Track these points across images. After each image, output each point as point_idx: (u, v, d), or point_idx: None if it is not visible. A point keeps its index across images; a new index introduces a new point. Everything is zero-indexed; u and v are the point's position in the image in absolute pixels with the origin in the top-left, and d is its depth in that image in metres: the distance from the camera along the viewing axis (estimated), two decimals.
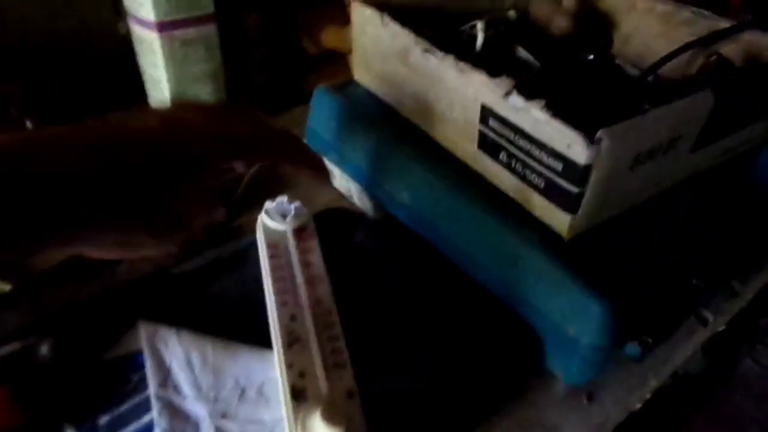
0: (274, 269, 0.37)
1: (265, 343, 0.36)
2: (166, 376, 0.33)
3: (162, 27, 0.55)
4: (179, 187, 0.29)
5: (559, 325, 0.38)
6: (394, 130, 0.48)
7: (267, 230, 0.41)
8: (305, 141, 0.57)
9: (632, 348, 0.38)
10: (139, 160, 0.27)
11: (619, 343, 0.37)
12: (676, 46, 0.50)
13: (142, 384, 0.34)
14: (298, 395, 0.30)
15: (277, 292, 0.36)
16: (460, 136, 0.44)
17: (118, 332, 0.38)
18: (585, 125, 0.34)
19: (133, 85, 0.62)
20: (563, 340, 0.38)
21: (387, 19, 0.46)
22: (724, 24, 0.50)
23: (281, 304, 0.35)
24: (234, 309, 0.39)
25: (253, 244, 0.41)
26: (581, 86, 0.48)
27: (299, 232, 0.41)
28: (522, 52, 0.48)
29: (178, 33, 0.56)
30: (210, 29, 0.58)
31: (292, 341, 0.33)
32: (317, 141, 0.55)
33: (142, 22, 0.55)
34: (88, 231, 0.27)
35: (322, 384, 0.31)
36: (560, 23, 0.54)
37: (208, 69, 0.60)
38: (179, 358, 0.34)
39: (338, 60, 0.71)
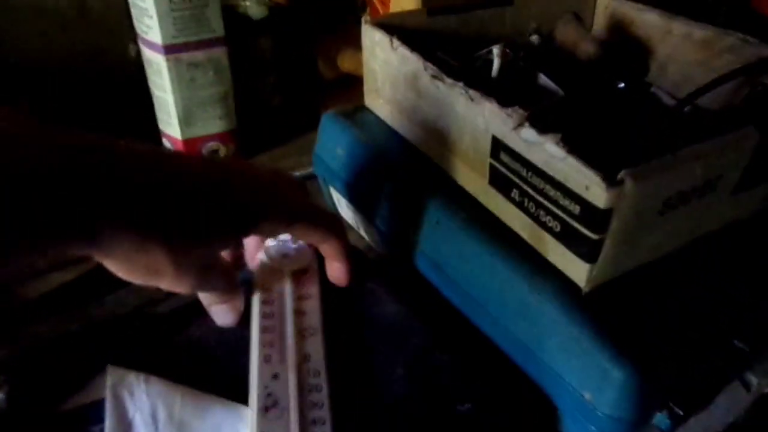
0: (263, 317, 0.34)
1: (242, 398, 0.32)
2: None
3: (168, 49, 0.53)
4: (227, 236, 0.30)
5: (574, 388, 0.33)
6: (402, 161, 0.45)
7: (263, 271, 0.37)
8: (312, 168, 0.54)
9: (660, 419, 0.33)
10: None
11: (645, 416, 0.32)
12: (717, 75, 0.45)
13: None
14: None
15: (263, 345, 0.32)
16: (470, 170, 0.40)
17: (87, 375, 0.35)
18: (609, 163, 0.30)
19: (143, 108, 0.60)
20: (578, 406, 0.33)
21: (396, 42, 0.43)
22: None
23: (264, 360, 0.31)
24: (213, 356, 0.35)
25: (244, 284, 0.38)
26: (608, 117, 0.44)
27: (298, 276, 0.36)
28: (544, 79, 0.44)
29: (186, 56, 0.54)
30: (219, 52, 0.56)
31: (269, 405, 0.29)
32: (323, 169, 0.52)
33: (150, 44, 0.54)
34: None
35: None
36: (588, 48, 0.50)
37: (217, 93, 0.58)
38: (143, 411, 0.31)
39: (355, 85, 0.68)
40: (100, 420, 0.32)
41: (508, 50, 0.44)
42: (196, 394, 0.32)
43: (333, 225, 0.34)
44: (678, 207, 0.32)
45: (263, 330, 0.33)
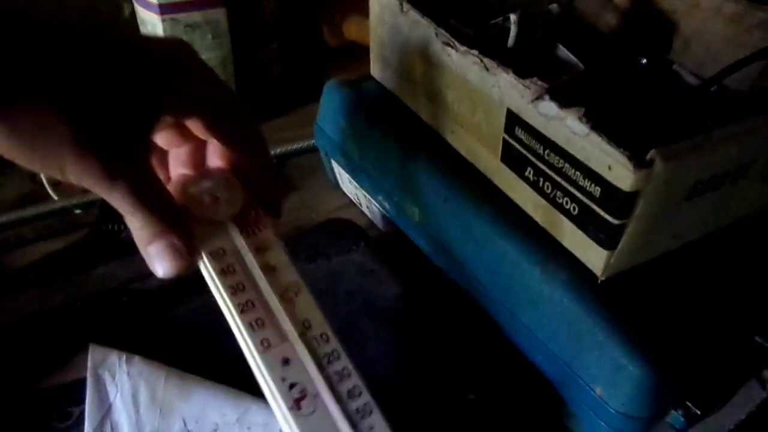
0: (223, 275, 0.25)
1: (229, 379, 0.30)
2: (105, 416, 0.28)
3: (164, 9, 0.50)
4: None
5: (584, 382, 0.31)
6: (408, 135, 0.42)
7: (194, 226, 0.26)
8: (314, 141, 0.52)
9: (675, 417, 0.31)
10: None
11: (659, 414, 0.30)
12: (746, 53, 0.42)
13: (82, 419, 0.29)
14: None
15: (242, 312, 0.25)
16: (481, 146, 0.37)
17: (69, 352, 0.33)
18: (632, 143, 0.27)
19: None
20: (588, 401, 0.31)
21: (407, 6, 0.40)
22: None
23: (261, 344, 0.24)
24: (201, 335, 0.33)
25: None
26: (630, 95, 0.41)
27: (241, 223, 0.27)
28: (563, 51, 0.41)
29: (182, 16, 0.51)
30: (218, 14, 0.53)
31: (297, 397, 0.24)
32: (325, 141, 0.49)
33: (145, 3, 0.51)
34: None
35: None
36: (610, 20, 0.47)
37: (216, 58, 0.55)
38: (125, 392, 0.29)
39: (361, 54, 0.65)
40: (81, 401, 0.30)
41: (525, 22, 0.41)
42: (181, 375, 0.30)
43: (250, 116, 0.27)
44: (707, 193, 0.30)
45: (232, 291, 0.25)
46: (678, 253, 0.33)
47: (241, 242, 0.27)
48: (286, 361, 0.24)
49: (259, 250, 0.27)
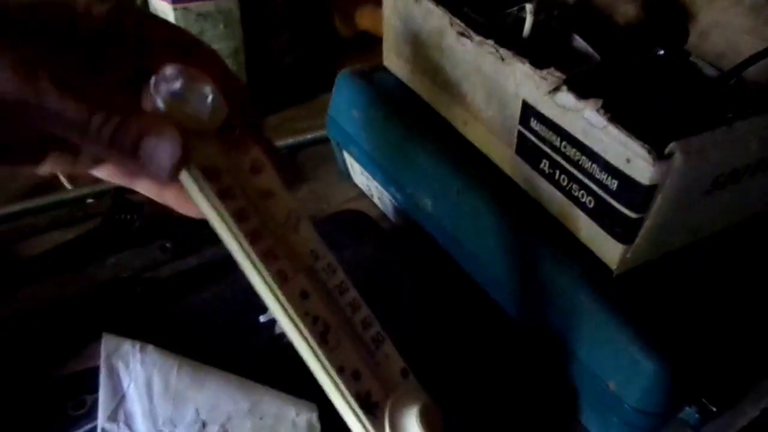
0: (223, 197, 0.22)
1: (243, 369, 0.30)
2: (118, 405, 0.29)
3: None
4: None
5: (598, 376, 0.31)
6: (421, 126, 0.42)
7: (170, 138, 0.21)
8: (326, 131, 0.51)
9: (689, 414, 0.31)
10: None
11: (673, 409, 0.30)
12: (766, 45, 0.41)
13: (96, 408, 0.29)
14: (371, 408, 0.22)
15: (252, 241, 0.21)
16: (496, 137, 0.37)
17: (83, 340, 0.33)
18: (651, 135, 0.27)
19: None
20: (601, 395, 0.31)
21: None
22: None
23: (278, 274, 0.22)
24: (213, 325, 0.33)
25: None
26: (648, 86, 0.40)
27: (228, 139, 0.23)
28: (579, 42, 0.41)
29: (195, 5, 0.51)
30: (230, 3, 0.53)
31: (322, 331, 0.22)
32: (338, 132, 0.49)
33: None
34: None
35: (377, 378, 0.22)
36: (627, 10, 0.46)
37: (227, 47, 0.55)
38: (138, 381, 0.29)
39: (373, 44, 0.65)
40: (95, 389, 0.30)
41: (541, 12, 0.41)
42: (194, 365, 0.30)
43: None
44: (727, 186, 0.29)
45: (238, 218, 0.22)
46: (696, 247, 0.33)
47: (233, 159, 0.23)
48: (304, 295, 0.22)
49: (253, 171, 0.23)
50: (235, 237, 0.22)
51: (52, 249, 0.44)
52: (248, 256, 0.21)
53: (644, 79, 0.42)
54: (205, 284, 0.37)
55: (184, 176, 0.21)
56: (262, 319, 0.34)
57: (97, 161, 0.25)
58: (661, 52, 0.46)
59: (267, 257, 0.22)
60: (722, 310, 0.32)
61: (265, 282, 0.21)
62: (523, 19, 0.40)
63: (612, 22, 0.47)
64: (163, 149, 0.21)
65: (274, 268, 0.21)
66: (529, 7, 0.39)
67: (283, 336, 0.32)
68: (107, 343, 0.30)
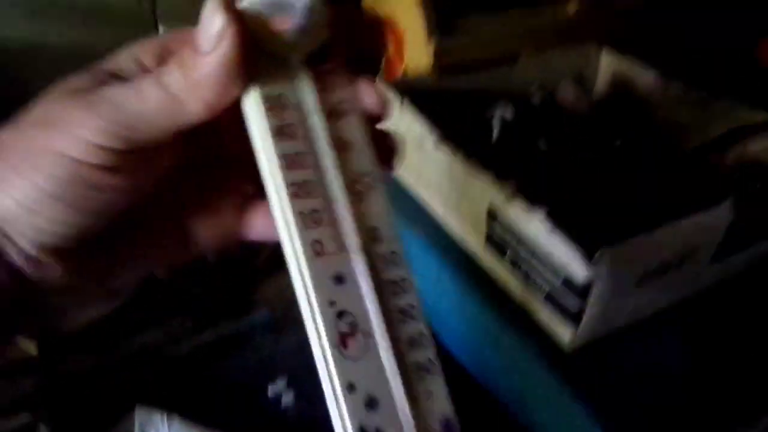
0: (279, 135, 0.19)
1: None
2: None
3: None
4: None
5: None
6: (407, 213, 0.48)
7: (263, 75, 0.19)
8: None
9: None
10: None
11: None
12: (709, 137, 0.48)
13: None
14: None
15: (295, 196, 0.18)
16: (470, 229, 0.43)
17: (118, 411, 0.39)
18: (593, 232, 0.33)
19: None
20: None
21: (406, 102, 0.47)
22: (761, 117, 0.48)
23: (312, 245, 0.18)
24: (231, 395, 0.39)
25: (262, 322, 0.41)
26: (602, 178, 0.47)
27: (318, 71, 0.20)
28: (543, 144, 0.48)
29: None
30: None
31: (345, 332, 0.17)
32: None
33: None
34: None
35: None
36: (586, 108, 0.53)
37: None
38: None
39: None
40: None
41: (508, 114, 0.48)
42: None
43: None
44: (654, 279, 0.35)
45: (286, 163, 0.18)
46: (643, 326, 0.38)
47: (311, 96, 0.19)
48: (339, 279, 0.18)
49: (332, 115, 0.20)
50: (273, 182, 0.18)
51: (89, 325, 0.50)
52: (282, 212, 0.18)
53: (600, 170, 0.48)
54: (221, 356, 0.43)
55: (245, 100, 0.19)
56: (269, 393, 0.39)
57: None
58: (619, 143, 0.53)
59: (306, 220, 0.18)
60: (665, 384, 0.37)
61: (293, 249, 0.18)
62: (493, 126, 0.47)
63: (576, 119, 0.53)
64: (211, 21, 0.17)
65: (310, 236, 0.18)
66: (495, 119, 0.45)
67: (288, 410, 0.37)
68: (140, 413, 0.36)
